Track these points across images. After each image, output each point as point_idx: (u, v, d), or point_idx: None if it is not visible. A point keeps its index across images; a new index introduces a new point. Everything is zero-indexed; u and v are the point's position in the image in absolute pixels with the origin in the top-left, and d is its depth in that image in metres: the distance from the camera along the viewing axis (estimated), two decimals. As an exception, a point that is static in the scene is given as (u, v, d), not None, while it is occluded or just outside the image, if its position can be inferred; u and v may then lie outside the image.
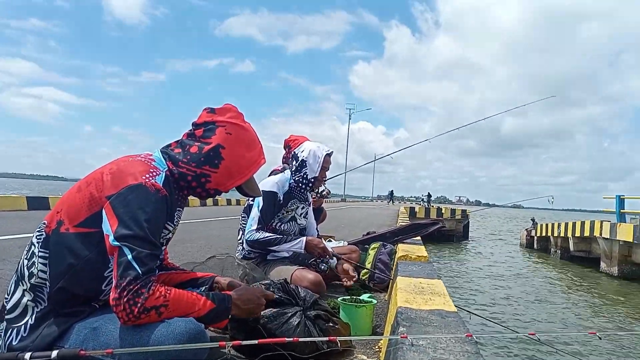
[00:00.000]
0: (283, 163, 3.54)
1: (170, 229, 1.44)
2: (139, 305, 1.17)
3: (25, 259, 1.31)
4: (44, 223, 1.33)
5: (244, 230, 2.80)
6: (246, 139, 1.45)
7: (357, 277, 2.91)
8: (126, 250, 1.19)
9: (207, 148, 1.40)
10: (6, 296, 1.31)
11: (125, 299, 1.16)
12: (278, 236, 2.68)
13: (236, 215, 3.06)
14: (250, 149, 1.46)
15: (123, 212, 1.21)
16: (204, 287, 1.61)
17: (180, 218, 1.49)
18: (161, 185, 1.30)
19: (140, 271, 1.18)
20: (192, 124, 1.46)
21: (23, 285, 1.29)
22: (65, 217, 1.29)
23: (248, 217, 2.78)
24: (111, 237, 1.20)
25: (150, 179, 1.28)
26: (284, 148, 3.53)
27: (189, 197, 1.50)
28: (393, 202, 50.72)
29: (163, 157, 1.42)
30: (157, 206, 1.27)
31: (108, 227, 1.22)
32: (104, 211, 1.24)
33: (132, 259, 1.18)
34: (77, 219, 1.27)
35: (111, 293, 1.19)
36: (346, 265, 2.75)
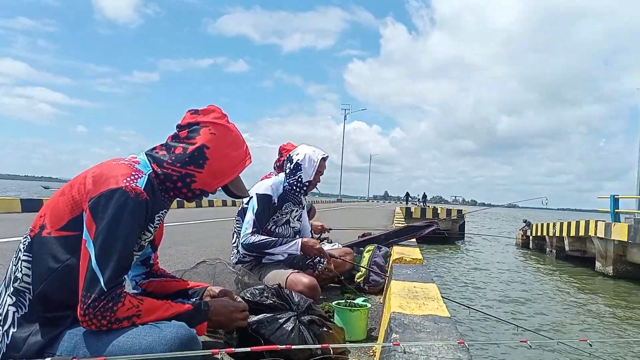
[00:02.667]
0: (275, 169, 3.54)
1: (152, 231, 1.43)
2: (107, 318, 1.19)
3: (13, 264, 1.31)
4: (30, 228, 1.33)
5: (239, 234, 2.79)
6: (231, 139, 1.46)
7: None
8: (95, 265, 1.19)
9: (192, 148, 1.40)
10: None
11: (92, 315, 1.18)
12: (274, 239, 2.67)
13: (232, 216, 3.05)
14: (235, 148, 1.46)
15: (99, 218, 1.22)
16: (195, 299, 1.60)
17: (163, 219, 1.49)
18: (142, 188, 1.29)
19: (105, 288, 1.18)
20: (177, 126, 1.46)
21: (8, 290, 1.28)
22: (48, 221, 1.29)
23: (242, 221, 2.78)
24: (87, 243, 1.21)
25: (132, 182, 1.28)
26: (278, 153, 3.52)
27: (182, 199, 1.51)
28: (425, 204, 47.91)
29: (148, 159, 1.41)
30: (135, 212, 1.26)
31: (86, 232, 1.23)
32: (84, 215, 1.25)
33: (99, 274, 1.19)
34: (59, 223, 1.27)
35: (78, 307, 1.19)
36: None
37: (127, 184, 1.26)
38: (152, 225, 1.41)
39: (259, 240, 2.64)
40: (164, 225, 1.59)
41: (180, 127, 1.45)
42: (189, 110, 1.47)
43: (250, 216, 2.69)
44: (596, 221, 12.64)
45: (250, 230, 2.66)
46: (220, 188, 1.51)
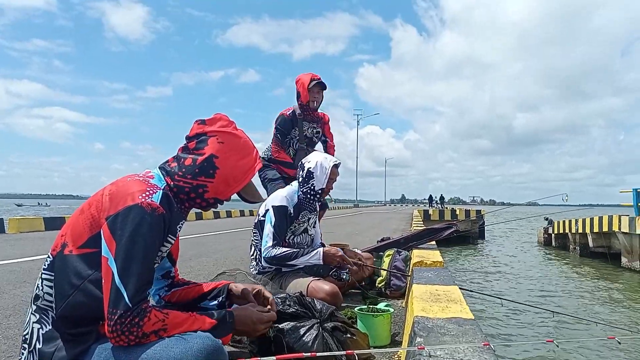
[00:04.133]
0: (299, 101, 3.89)
1: (172, 242, 1.45)
2: (134, 334, 1.20)
3: (38, 283, 1.34)
4: (52, 247, 1.36)
5: (256, 246, 2.81)
6: (239, 146, 1.46)
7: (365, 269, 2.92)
8: (118, 281, 1.20)
9: (201, 159, 1.41)
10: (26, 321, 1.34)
11: (120, 332, 1.19)
12: (295, 250, 2.68)
13: (250, 227, 3.07)
14: (244, 155, 1.46)
15: (119, 235, 1.23)
16: (220, 298, 1.63)
17: (180, 230, 1.50)
18: (158, 203, 1.31)
19: (130, 304, 1.19)
20: (185, 137, 1.47)
21: (32, 307, 1.31)
22: (69, 239, 1.31)
23: (259, 233, 2.80)
24: (109, 261, 1.22)
25: (147, 197, 1.29)
26: (297, 90, 3.90)
27: (198, 209, 1.52)
28: (442, 205, 43.86)
29: (161, 173, 1.43)
30: (153, 227, 1.28)
31: (106, 249, 1.24)
32: (102, 232, 1.26)
33: (124, 290, 1.20)
34: (80, 241, 1.29)
35: (105, 324, 1.20)
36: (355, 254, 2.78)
37: (143, 199, 1.28)
38: (171, 237, 1.43)
39: (280, 253, 2.65)
40: (180, 238, 1.62)
41: (188, 139, 1.46)
42: (196, 121, 1.48)
43: (269, 229, 2.70)
44: (619, 216, 12.35)
45: (270, 244, 2.67)
46: (236, 194, 1.51)
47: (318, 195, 2.84)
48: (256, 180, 1.56)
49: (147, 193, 1.31)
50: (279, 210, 2.73)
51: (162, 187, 1.37)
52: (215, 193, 1.45)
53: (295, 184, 2.89)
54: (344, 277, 2.75)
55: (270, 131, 4.10)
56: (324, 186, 2.83)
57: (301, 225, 2.86)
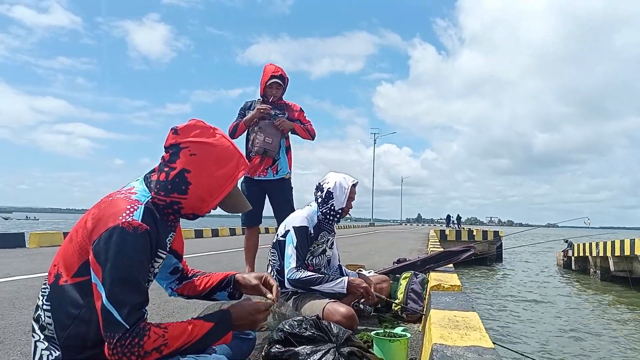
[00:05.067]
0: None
1: (163, 256, 1.42)
2: (136, 353, 1.19)
3: (36, 310, 1.33)
4: (46, 277, 1.35)
5: (273, 266, 2.81)
6: (214, 156, 1.36)
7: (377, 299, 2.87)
8: (109, 306, 1.19)
9: (173, 174, 1.34)
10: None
11: (121, 354, 1.18)
12: (320, 275, 2.66)
13: (265, 244, 3.05)
14: (221, 165, 1.37)
15: (103, 260, 1.20)
16: (229, 289, 1.65)
17: (171, 242, 1.48)
18: (140, 219, 1.26)
19: (127, 326, 1.18)
20: (164, 147, 1.39)
21: (36, 336, 1.31)
22: (62, 269, 1.29)
23: (277, 253, 2.79)
24: (98, 286, 1.20)
25: (128, 216, 1.25)
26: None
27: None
28: (459, 226, 43.06)
29: (145, 185, 1.38)
30: (137, 246, 1.24)
31: (94, 275, 1.22)
32: (89, 259, 1.24)
33: (117, 313, 1.18)
34: (72, 270, 1.27)
35: (105, 348, 1.20)
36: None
37: (124, 220, 1.24)
38: (161, 251, 1.40)
39: (305, 277, 2.63)
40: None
41: (165, 149, 1.38)
42: (171, 129, 1.37)
43: (292, 250, 2.69)
44: (642, 239, 12.07)
45: (294, 265, 2.66)
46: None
47: (338, 216, 2.84)
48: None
49: (128, 211, 1.26)
50: (300, 231, 2.73)
51: (144, 202, 1.32)
52: (191, 209, 1.39)
53: (314, 204, 2.90)
54: (366, 309, 2.73)
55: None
56: (344, 206, 2.83)
57: (320, 246, 2.86)
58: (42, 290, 1.34)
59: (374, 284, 3.06)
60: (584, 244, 17.05)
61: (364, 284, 2.68)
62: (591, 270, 16.61)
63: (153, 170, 1.41)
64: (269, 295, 1.56)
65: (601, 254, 15.01)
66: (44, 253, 8.40)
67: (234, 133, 4.05)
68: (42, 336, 1.30)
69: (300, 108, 4.24)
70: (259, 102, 4.13)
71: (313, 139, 4.31)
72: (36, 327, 1.31)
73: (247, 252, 4.31)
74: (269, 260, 2.88)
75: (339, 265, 3.12)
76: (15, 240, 10.01)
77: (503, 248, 21.93)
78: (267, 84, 4.05)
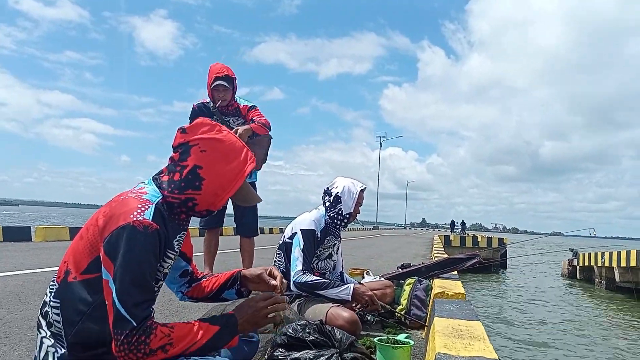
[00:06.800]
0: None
1: (172, 257, 1.43)
2: (142, 351, 1.20)
3: (43, 307, 1.34)
4: (55, 274, 1.36)
5: (279, 267, 2.81)
6: (223, 152, 1.40)
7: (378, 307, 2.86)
8: (118, 302, 1.20)
9: (186, 172, 1.37)
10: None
11: (127, 351, 1.19)
12: (326, 281, 2.66)
13: (271, 245, 3.07)
14: (230, 160, 1.40)
15: (114, 257, 1.22)
16: (236, 286, 1.65)
17: (182, 242, 1.49)
18: (151, 219, 1.28)
19: (134, 323, 1.19)
20: (172, 147, 1.42)
21: (42, 332, 1.32)
22: (72, 266, 1.31)
23: (283, 255, 2.80)
24: (110, 282, 1.22)
25: (139, 215, 1.27)
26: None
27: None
28: (464, 232, 42.06)
29: (155, 185, 1.40)
30: (147, 244, 1.26)
31: (105, 271, 1.24)
32: (100, 255, 1.26)
33: (125, 311, 1.20)
34: (82, 267, 1.29)
35: (112, 345, 1.21)
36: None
37: (135, 218, 1.26)
38: (170, 251, 1.41)
39: (311, 281, 2.63)
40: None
41: (173, 149, 1.42)
42: (178, 129, 1.42)
43: (298, 253, 2.69)
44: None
45: (300, 268, 2.66)
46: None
47: (345, 220, 2.85)
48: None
49: (139, 210, 1.28)
50: (307, 233, 2.73)
51: (155, 202, 1.34)
52: (206, 204, 1.41)
53: (322, 208, 2.90)
54: (369, 318, 2.73)
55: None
56: (352, 210, 2.84)
57: (326, 250, 2.86)
58: (50, 286, 1.35)
59: (378, 289, 3.06)
60: (590, 254, 16.94)
61: (369, 292, 2.69)
62: (596, 280, 16.50)
63: (161, 172, 1.43)
64: (272, 282, 1.55)
65: (607, 265, 14.91)
66: (50, 247, 8.46)
67: None
68: (48, 333, 1.30)
69: (251, 105, 3.96)
70: (213, 108, 3.83)
71: (270, 130, 3.94)
72: (43, 323, 1.32)
73: (207, 253, 4.16)
74: (275, 261, 2.89)
75: (341, 272, 3.12)
76: (21, 234, 10.10)
77: (507, 257, 21.82)
78: (212, 86, 3.72)
